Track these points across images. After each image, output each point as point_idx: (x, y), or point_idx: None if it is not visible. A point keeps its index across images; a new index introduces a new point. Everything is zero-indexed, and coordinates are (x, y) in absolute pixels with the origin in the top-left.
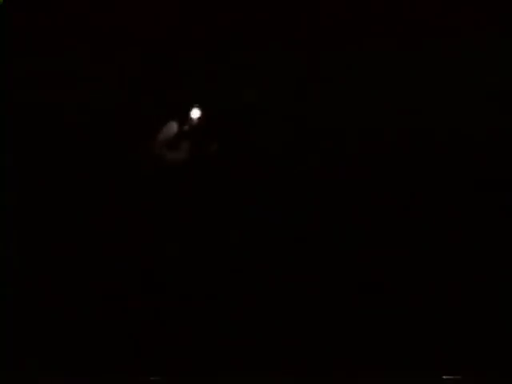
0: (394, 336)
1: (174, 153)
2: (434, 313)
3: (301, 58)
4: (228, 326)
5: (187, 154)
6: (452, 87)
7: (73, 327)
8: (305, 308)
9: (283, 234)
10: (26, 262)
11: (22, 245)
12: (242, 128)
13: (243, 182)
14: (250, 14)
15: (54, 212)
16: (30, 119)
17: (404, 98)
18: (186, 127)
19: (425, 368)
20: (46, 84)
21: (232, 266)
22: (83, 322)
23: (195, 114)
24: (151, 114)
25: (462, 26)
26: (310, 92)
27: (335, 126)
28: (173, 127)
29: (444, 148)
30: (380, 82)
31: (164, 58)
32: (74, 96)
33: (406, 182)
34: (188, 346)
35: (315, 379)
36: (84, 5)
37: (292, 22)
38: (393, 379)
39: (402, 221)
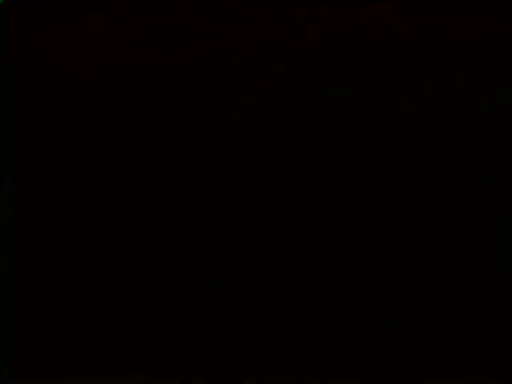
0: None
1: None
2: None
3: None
4: (222, 327)
5: (188, 154)
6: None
7: (62, 327)
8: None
9: (283, 233)
10: (22, 262)
11: (19, 244)
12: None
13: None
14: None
15: (51, 211)
16: (29, 120)
17: (403, 97)
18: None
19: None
20: (47, 84)
21: (227, 266)
22: (73, 322)
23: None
24: (152, 117)
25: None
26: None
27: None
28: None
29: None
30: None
31: (165, 57)
32: (74, 96)
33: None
34: (180, 347)
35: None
36: (85, 5)
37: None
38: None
39: (403, 223)
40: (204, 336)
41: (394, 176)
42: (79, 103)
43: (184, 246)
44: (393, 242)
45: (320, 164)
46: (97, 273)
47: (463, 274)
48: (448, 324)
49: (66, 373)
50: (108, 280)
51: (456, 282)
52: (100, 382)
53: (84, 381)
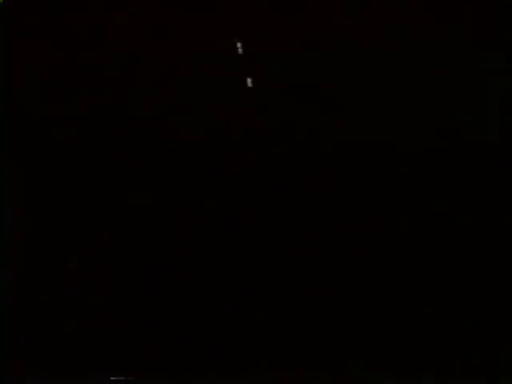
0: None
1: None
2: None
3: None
4: (222, 327)
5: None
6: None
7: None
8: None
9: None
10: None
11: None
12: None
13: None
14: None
15: (51, 212)
16: (29, 120)
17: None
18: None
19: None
20: (47, 84)
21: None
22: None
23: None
24: (154, 120)
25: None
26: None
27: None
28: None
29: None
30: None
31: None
32: (75, 96)
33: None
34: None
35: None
36: (87, 5)
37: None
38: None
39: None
40: (204, 336)
41: (398, 181)
42: (79, 103)
43: (182, 247)
44: (395, 244)
45: (319, 174)
46: (97, 273)
47: (463, 276)
48: (448, 324)
49: (66, 373)
50: (108, 280)
51: (456, 284)
52: (99, 382)
53: (84, 381)
